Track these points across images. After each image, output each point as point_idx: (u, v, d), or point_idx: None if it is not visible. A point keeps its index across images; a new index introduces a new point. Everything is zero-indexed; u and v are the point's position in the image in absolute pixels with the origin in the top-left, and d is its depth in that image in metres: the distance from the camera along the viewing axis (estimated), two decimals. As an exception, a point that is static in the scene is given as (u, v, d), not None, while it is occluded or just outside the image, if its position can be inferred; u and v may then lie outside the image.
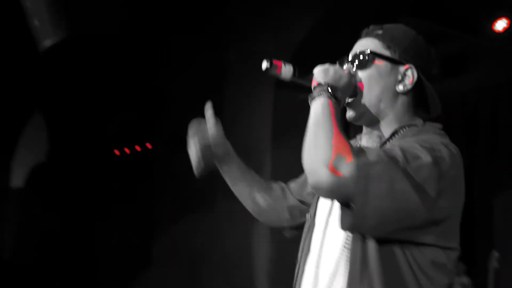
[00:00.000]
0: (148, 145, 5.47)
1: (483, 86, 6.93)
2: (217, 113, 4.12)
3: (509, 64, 5.98)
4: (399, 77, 1.46)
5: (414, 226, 1.30)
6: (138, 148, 5.60)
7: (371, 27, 1.54)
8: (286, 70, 1.48)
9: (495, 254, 6.42)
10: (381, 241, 1.31)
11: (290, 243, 3.63)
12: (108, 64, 4.50)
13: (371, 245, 1.32)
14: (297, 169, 3.69)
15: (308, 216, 1.70)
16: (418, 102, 1.49)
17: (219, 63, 4.07)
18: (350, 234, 1.37)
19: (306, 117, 3.87)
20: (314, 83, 1.45)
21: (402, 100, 1.47)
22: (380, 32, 1.51)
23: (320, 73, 1.44)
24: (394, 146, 1.33)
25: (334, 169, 1.24)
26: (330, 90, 1.40)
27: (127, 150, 5.80)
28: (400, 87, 1.47)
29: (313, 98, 1.46)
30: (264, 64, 1.48)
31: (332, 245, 1.46)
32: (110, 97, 4.86)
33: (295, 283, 1.65)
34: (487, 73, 6.49)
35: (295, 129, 3.72)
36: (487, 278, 6.39)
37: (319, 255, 1.52)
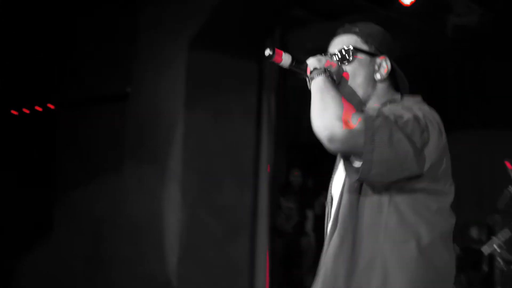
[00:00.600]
0: (50, 106, 5.20)
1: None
2: (128, 75, 4.01)
3: (415, 37, 6.24)
4: (376, 67, 1.67)
5: (410, 175, 1.47)
6: (38, 108, 5.31)
7: (347, 25, 1.74)
8: (286, 59, 1.58)
9: None
10: (384, 199, 1.51)
11: (200, 207, 3.64)
12: (10, 21, 4.19)
13: (376, 202, 1.51)
14: (209, 132, 3.68)
15: (326, 204, 1.79)
16: (392, 84, 1.71)
17: (131, 26, 3.92)
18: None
19: (219, 80, 3.85)
20: (309, 70, 1.60)
21: (380, 85, 1.68)
22: (357, 29, 1.72)
23: (314, 61, 1.60)
24: (383, 109, 1.53)
25: (346, 123, 1.41)
26: (326, 72, 1.57)
27: (26, 111, 5.49)
28: (378, 76, 1.67)
29: (312, 79, 1.58)
30: (267, 52, 1.57)
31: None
32: (8, 54, 4.53)
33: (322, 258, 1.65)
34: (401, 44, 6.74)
35: (208, 92, 3.69)
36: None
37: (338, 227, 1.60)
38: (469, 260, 4.85)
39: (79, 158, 4.02)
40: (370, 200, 1.52)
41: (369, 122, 1.40)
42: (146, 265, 3.61)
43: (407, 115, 1.48)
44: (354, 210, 1.54)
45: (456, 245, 4.32)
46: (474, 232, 5.20)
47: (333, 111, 1.46)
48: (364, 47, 1.68)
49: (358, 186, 1.53)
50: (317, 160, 8.91)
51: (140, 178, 3.69)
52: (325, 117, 1.46)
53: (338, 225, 1.55)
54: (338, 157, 1.75)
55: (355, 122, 1.40)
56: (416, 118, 1.48)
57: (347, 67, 1.65)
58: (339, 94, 1.52)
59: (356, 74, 1.66)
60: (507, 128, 6.01)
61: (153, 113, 3.69)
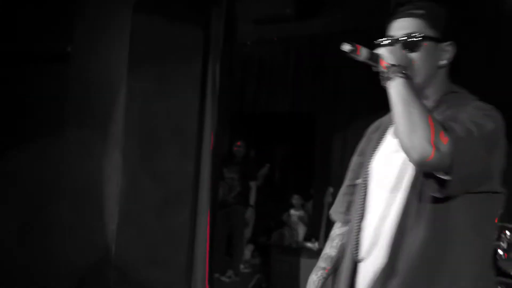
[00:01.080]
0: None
1: (332, 31, 7.29)
2: (69, 35, 3.87)
3: (357, 12, 6.34)
4: (441, 54, 1.61)
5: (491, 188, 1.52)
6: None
7: (411, 6, 1.63)
8: (363, 52, 1.57)
9: (330, 190, 7.00)
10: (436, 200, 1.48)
11: (141, 173, 3.60)
12: None
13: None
14: (152, 98, 3.63)
15: (360, 181, 1.76)
16: (451, 70, 1.65)
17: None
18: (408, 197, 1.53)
19: (164, 46, 3.78)
20: (383, 64, 1.52)
21: (441, 71, 1.62)
22: (422, 12, 1.61)
23: (389, 55, 1.52)
24: (463, 117, 1.48)
25: (436, 146, 1.37)
26: (404, 71, 1.48)
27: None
28: (443, 62, 1.61)
29: (389, 78, 1.50)
30: (348, 47, 1.57)
31: (397, 208, 1.56)
32: None
33: (353, 243, 1.67)
34: (336, 19, 6.84)
35: (152, 57, 3.63)
36: (322, 210, 6.99)
37: (381, 217, 1.60)
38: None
39: (17, 120, 3.88)
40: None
41: (457, 144, 1.38)
42: (85, 232, 3.56)
43: (489, 125, 1.46)
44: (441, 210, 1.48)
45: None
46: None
47: (422, 133, 1.40)
48: (432, 32, 1.58)
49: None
50: (261, 131, 8.98)
51: (81, 142, 3.61)
52: (415, 140, 1.40)
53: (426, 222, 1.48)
54: (372, 131, 1.84)
55: (444, 144, 1.38)
56: (497, 126, 1.49)
57: (413, 55, 1.56)
58: (424, 107, 1.45)
59: (422, 63, 1.57)
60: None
61: (95, 75, 3.60)
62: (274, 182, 9.40)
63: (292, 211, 8.07)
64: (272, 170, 9.53)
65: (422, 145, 1.38)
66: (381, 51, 1.54)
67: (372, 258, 1.58)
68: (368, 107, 7.15)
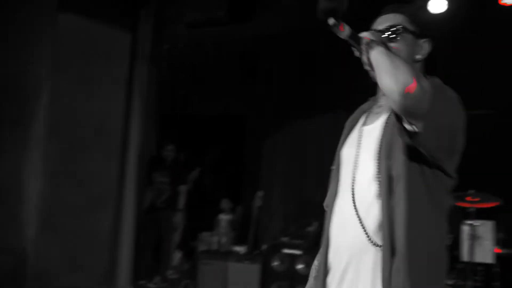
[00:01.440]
0: None
1: (263, 34, 7.36)
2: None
3: (289, 15, 6.43)
4: (418, 48, 1.77)
5: (448, 150, 1.63)
6: None
7: (395, 4, 1.83)
8: (346, 29, 1.67)
9: (259, 193, 7.06)
10: (406, 171, 1.61)
11: (62, 176, 3.49)
12: None
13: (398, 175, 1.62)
14: (76, 99, 3.53)
15: (333, 167, 1.87)
16: (424, 65, 1.79)
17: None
18: (379, 170, 1.66)
19: (89, 46, 3.68)
20: (367, 39, 1.67)
21: (417, 65, 1.76)
22: (404, 9, 1.82)
23: (372, 34, 1.69)
24: None
25: (417, 80, 1.51)
26: (385, 44, 1.67)
27: None
28: (418, 56, 1.77)
29: (372, 48, 1.66)
30: (332, 21, 1.65)
31: (363, 183, 1.70)
32: None
33: (328, 224, 1.77)
34: (268, 23, 6.92)
35: (77, 58, 3.53)
36: (251, 214, 7.03)
37: (352, 194, 1.72)
38: None
39: None
40: (414, 169, 1.61)
41: (435, 88, 1.53)
42: (2, 238, 3.41)
43: (450, 92, 1.62)
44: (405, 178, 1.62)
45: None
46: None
47: (406, 69, 1.55)
48: (411, 27, 1.76)
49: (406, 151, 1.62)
50: (192, 133, 8.92)
51: (0, 143, 3.47)
52: (399, 74, 1.54)
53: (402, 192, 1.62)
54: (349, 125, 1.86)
55: (425, 81, 1.52)
56: (463, 119, 1.64)
57: (393, 44, 1.74)
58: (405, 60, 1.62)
59: (400, 52, 1.72)
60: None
61: (17, 75, 3.47)
62: (204, 186, 9.38)
63: (221, 216, 8.07)
64: (202, 173, 9.50)
65: (406, 77, 1.52)
66: (364, 33, 1.69)
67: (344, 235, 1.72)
68: (297, 111, 7.29)
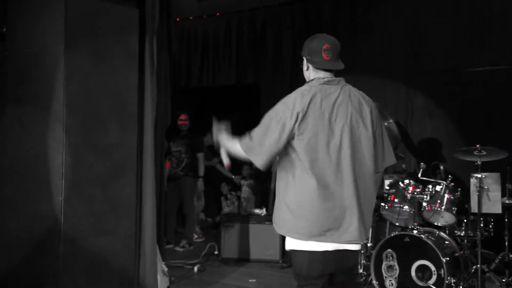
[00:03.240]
0: None
1: (270, 4, 7.47)
2: (3, 15, 3.89)
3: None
4: (305, 64, 2.93)
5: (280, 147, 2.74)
6: None
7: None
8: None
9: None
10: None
11: (84, 147, 3.73)
12: None
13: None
14: (91, 74, 3.72)
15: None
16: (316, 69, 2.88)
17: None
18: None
19: (99, 23, 3.84)
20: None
21: (309, 70, 2.91)
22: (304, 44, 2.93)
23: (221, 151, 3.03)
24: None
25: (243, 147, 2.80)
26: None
27: None
28: (304, 68, 2.94)
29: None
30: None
31: None
32: None
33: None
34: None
35: (88, 35, 3.72)
36: (271, 178, 7.27)
37: None
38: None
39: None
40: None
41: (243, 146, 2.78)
42: (33, 206, 3.67)
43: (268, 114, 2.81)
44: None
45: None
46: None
47: (235, 149, 2.84)
48: (304, 55, 2.91)
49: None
50: (205, 104, 9.12)
51: (22, 120, 3.70)
52: (235, 152, 2.84)
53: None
54: None
55: (245, 143, 2.78)
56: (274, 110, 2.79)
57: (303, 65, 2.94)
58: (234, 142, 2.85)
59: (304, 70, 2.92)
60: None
61: (32, 54, 3.68)
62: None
63: (243, 181, 8.33)
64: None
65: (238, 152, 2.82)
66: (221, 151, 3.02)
67: None
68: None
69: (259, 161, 2.73)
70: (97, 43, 3.77)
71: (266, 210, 7.01)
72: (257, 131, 2.74)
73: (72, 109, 3.62)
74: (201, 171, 7.32)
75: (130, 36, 3.99)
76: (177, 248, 7.23)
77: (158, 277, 4.56)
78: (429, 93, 6.57)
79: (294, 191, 2.72)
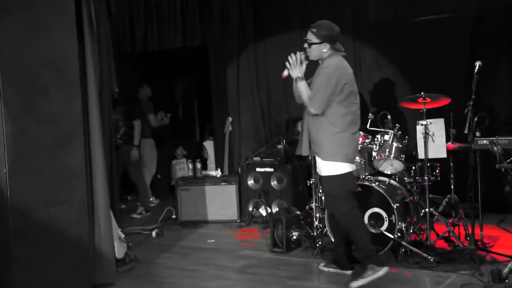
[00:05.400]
0: None
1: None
2: None
3: None
4: (322, 47, 4.14)
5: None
6: None
7: (311, 25, 4.16)
8: (286, 73, 4.23)
9: (229, 119, 7.30)
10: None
11: (26, 117, 3.63)
12: None
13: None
14: (27, 43, 3.56)
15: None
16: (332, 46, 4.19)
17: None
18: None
19: None
20: (294, 78, 4.20)
21: (327, 50, 4.17)
22: (314, 30, 4.14)
23: (294, 72, 4.17)
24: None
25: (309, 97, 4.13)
26: (299, 79, 4.17)
27: None
28: (324, 50, 4.16)
29: (297, 81, 4.18)
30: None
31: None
32: None
33: None
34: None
35: (21, 4, 3.57)
36: (224, 139, 7.30)
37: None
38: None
39: None
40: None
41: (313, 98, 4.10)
42: None
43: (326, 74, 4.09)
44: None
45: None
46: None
47: (306, 94, 4.15)
48: (316, 40, 4.14)
49: None
50: (146, 70, 8.96)
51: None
52: (303, 96, 4.16)
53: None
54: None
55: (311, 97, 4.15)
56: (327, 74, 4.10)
57: (309, 50, 4.18)
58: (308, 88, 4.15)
59: (312, 52, 4.17)
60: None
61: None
62: (178, 117, 9.56)
63: (207, 142, 8.29)
64: (175, 105, 9.66)
65: (311, 110, 4.13)
66: (292, 72, 4.19)
67: None
68: (256, 35, 7.37)
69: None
70: (31, 9, 3.63)
71: (221, 171, 7.06)
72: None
73: (10, 81, 3.50)
74: (136, 140, 7.24)
75: (65, 1, 3.86)
76: (134, 215, 7.23)
77: (115, 244, 4.56)
78: (376, 44, 6.66)
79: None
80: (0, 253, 3.55)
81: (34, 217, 3.66)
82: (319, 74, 4.11)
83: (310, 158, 5.26)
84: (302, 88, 4.13)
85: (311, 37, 4.15)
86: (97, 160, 4.28)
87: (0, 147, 3.48)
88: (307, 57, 4.19)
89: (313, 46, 4.15)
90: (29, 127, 3.65)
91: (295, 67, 4.13)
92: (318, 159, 4.24)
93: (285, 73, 4.19)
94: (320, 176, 4.39)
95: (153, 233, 6.14)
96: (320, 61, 4.20)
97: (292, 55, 4.15)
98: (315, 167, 4.80)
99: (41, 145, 3.72)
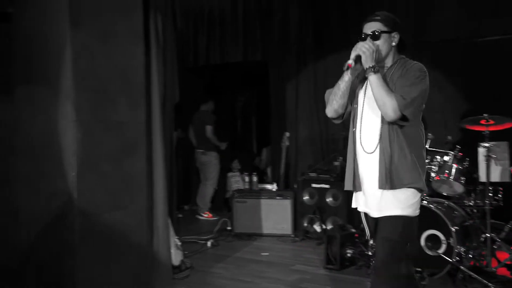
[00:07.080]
0: None
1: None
2: (10, 1, 3.93)
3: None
4: (392, 39, 3.11)
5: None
6: None
7: (373, 15, 3.10)
8: (353, 63, 3.03)
9: (287, 134, 7.33)
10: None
11: (94, 124, 3.79)
12: None
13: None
14: (98, 52, 3.76)
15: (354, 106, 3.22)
16: (398, 47, 3.16)
17: None
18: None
19: (102, 2, 3.85)
20: (365, 66, 3.00)
21: (394, 48, 3.14)
22: (379, 18, 3.09)
23: (366, 59, 2.99)
24: (409, 76, 3.03)
25: (395, 113, 2.93)
26: (377, 69, 2.98)
27: None
28: (393, 44, 3.11)
29: (370, 74, 2.98)
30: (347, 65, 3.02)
31: (370, 122, 3.10)
32: None
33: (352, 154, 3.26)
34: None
35: (93, 13, 3.75)
36: (281, 153, 7.33)
37: (360, 130, 3.14)
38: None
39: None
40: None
41: (405, 108, 2.91)
42: (48, 182, 3.74)
43: (423, 82, 3.03)
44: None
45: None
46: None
47: (390, 105, 2.90)
48: (385, 28, 3.07)
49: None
50: (209, 84, 9.12)
51: (32, 99, 3.77)
52: (387, 110, 2.91)
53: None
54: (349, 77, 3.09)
55: (398, 111, 2.89)
56: (423, 78, 3.04)
57: (377, 42, 3.04)
58: (389, 88, 2.95)
59: (381, 45, 3.06)
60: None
61: (39, 33, 3.72)
62: (237, 131, 9.69)
63: (263, 157, 8.42)
64: (235, 118, 9.81)
65: (390, 114, 2.92)
66: (366, 60, 2.98)
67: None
68: (316, 51, 7.40)
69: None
70: (102, 22, 3.79)
71: (277, 185, 7.10)
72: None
73: (80, 87, 3.65)
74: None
75: (134, 12, 4.01)
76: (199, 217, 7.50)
77: (172, 251, 4.67)
78: (436, 64, 6.55)
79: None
80: (66, 252, 3.69)
81: (98, 220, 3.79)
82: (406, 75, 3.01)
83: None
84: (379, 82, 2.92)
85: (377, 25, 3.05)
86: (158, 169, 4.41)
87: (70, 151, 3.63)
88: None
89: (383, 36, 3.04)
90: (97, 133, 3.78)
91: (371, 55, 2.95)
92: (384, 195, 3.06)
93: (351, 62, 2.97)
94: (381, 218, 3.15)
95: (209, 243, 6.22)
96: (385, 64, 3.12)
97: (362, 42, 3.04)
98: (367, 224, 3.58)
99: (107, 151, 3.85)
